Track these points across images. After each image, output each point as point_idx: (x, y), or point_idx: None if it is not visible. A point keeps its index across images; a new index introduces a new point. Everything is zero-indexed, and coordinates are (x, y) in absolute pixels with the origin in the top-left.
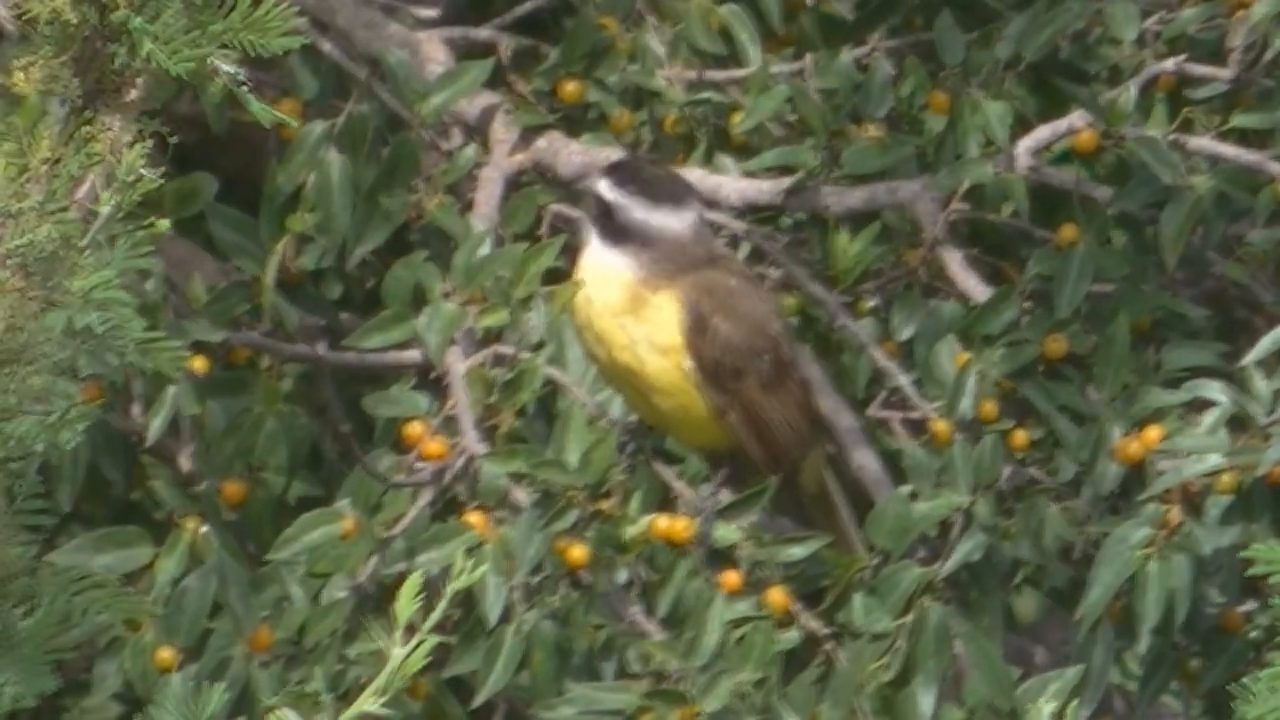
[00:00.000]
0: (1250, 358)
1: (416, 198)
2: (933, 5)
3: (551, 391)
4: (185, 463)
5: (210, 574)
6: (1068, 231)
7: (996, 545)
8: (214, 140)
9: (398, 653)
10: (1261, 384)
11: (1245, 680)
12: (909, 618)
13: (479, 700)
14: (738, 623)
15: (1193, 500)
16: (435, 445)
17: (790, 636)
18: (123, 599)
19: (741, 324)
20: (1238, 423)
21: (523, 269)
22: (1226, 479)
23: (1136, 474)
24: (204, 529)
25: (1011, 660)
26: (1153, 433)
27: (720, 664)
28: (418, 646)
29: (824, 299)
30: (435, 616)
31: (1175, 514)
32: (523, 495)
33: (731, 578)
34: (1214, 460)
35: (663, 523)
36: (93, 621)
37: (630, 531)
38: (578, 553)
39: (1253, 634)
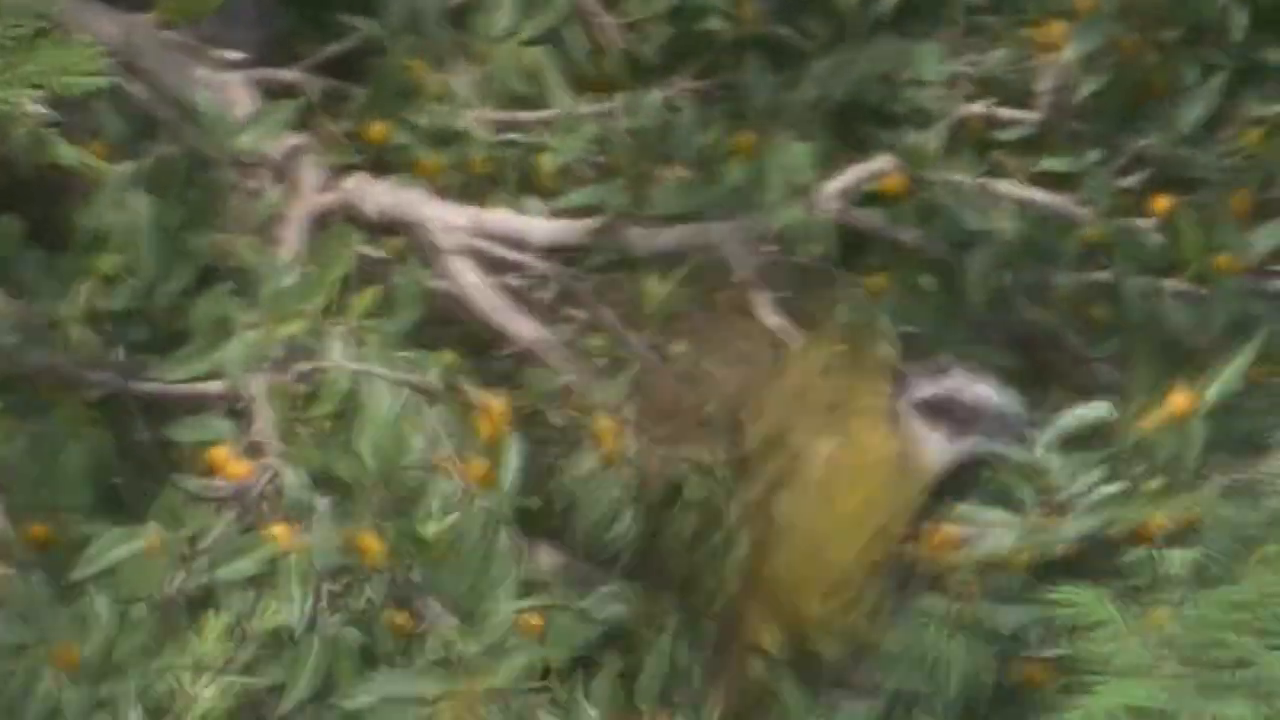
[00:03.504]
0: (1046, 437)
1: (223, 238)
2: (740, 46)
3: (352, 408)
4: None
5: (14, 618)
6: (877, 281)
7: None
8: (21, 183)
9: (206, 693)
10: (1054, 460)
11: None
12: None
13: (283, 710)
14: (536, 609)
15: (989, 574)
16: (239, 467)
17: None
18: None
19: None
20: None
21: (318, 280)
22: (1021, 558)
23: None
24: (3, 572)
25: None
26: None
27: (512, 643)
28: (222, 686)
29: (631, 341)
30: (242, 659)
31: (973, 584)
32: (323, 502)
33: None
34: (1007, 540)
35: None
36: None
37: (431, 528)
38: (374, 547)
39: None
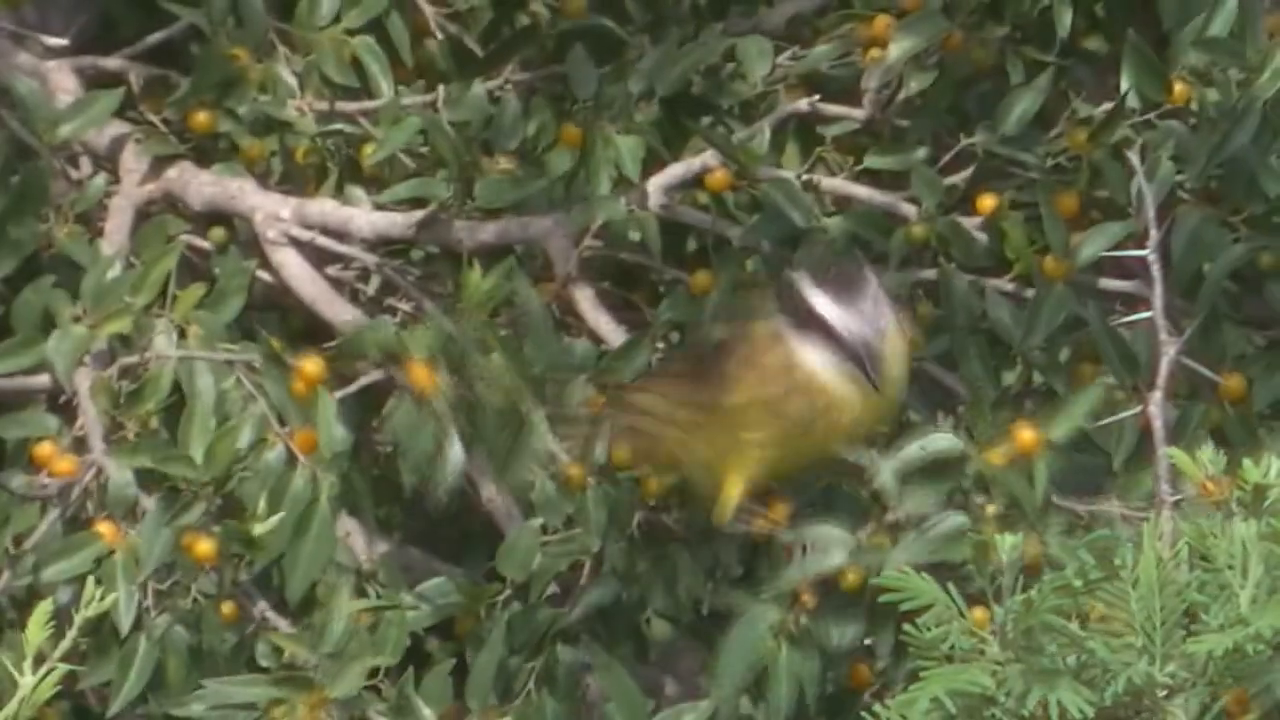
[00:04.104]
0: (884, 473)
1: (46, 227)
2: (566, 37)
3: (179, 401)
4: None
5: None
6: (701, 280)
7: (628, 590)
8: None
9: (27, 681)
10: (889, 477)
11: (876, 709)
12: (540, 660)
13: (113, 710)
14: (367, 611)
15: (823, 586)
16: (65, 463)
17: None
18: None
19: None
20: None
21: (144, 276)
22: (851, 577)
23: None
24: None
25: (642, 692)
26: (780, 509)
27: (350, 650)
28: (47, 675)
29: (457, 334)
30: (65, 645)
31: (807, 597)
32: (150, 501)
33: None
34: (839, 558)
35: None
36: None
37: (259, 528)
38: (205, 548)
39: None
